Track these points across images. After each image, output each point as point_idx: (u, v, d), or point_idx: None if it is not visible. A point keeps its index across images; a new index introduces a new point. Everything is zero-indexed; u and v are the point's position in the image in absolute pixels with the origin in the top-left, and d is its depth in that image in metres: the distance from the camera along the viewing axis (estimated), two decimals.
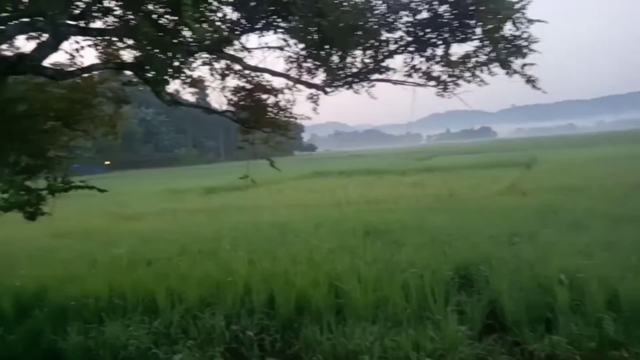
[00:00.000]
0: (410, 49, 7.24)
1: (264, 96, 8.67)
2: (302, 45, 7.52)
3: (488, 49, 6.78)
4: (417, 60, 7.49)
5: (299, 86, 8.50)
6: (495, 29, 5.90)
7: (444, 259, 8.21)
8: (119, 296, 7.84)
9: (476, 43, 6.92)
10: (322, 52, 6.80)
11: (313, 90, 8.25)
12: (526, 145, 66.97)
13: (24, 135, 6.23)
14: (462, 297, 6.79)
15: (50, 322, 7.32)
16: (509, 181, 23.44)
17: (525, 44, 6.61)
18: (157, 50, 5.17)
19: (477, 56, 7.10)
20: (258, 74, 8.31)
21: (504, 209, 14.30)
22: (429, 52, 7.28)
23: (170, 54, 5.32)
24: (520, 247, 8.94)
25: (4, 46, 5.41)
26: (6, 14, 4.72)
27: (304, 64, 7.90)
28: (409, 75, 7.67)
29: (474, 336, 5.97)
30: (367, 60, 7.38)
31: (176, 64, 5.44)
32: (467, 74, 7.37)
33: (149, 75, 5.82)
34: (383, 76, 7.63)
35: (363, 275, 7.54)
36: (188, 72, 6.01)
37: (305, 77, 8.31)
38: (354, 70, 7.51)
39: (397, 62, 7.82)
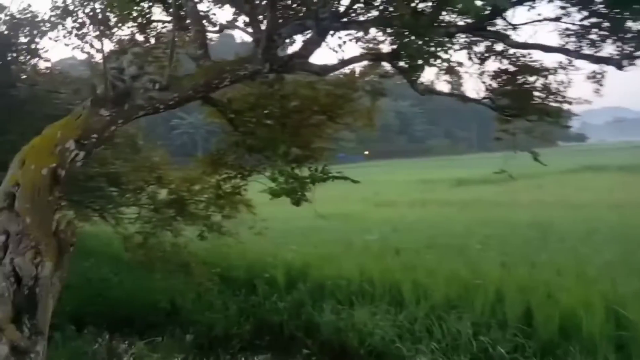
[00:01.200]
0: None
1: (531, 79, 7.48)
2: (585, 13, 6.10)
3: None
4: None
5: (577, 64, 6.98)
6: None
7: None
8: (368, 282, 8.15)
9: None
10: (622, 14, 5.31)
11: (596, 68, 6.65)
12: None
13: (295, 129, 6.93)
14: None
15: (310, 297, 8.16)
16: None
17: None
18: (413, 36, 4.92)
19: None
20: (525, 53, 7.19)
21: None
22: None
23: (426, 38, 4.99)
24: None
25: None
26: (281, 19, 5.24)
27: (588, 36, 6.40)
28: None
29: None
30: None
31: (432, 49, 5.07)
32: None
33: (404, 64, 5.66)
34: None
35: None
36: (444, 56, 5.55)
37: (587, 52, 6.75)
38: None
39: None
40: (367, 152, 70.79)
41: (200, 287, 8.36)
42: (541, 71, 7.19)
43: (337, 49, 6.76)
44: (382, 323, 6.79)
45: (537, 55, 7.22)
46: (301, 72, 7.63)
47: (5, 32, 6.68)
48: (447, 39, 5.83)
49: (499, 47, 7.27)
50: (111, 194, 8.66)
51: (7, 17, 6.66)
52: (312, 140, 8.02)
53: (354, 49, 7.90)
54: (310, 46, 5.59)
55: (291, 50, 7.05)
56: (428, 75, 7.45)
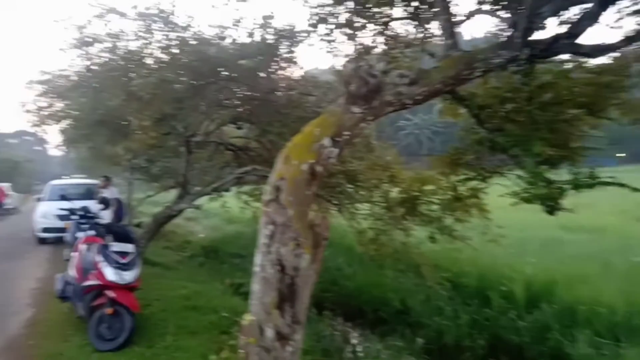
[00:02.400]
0: None
1: None
2: None
3: None
4: None
5: None
6: None
7: None
8: (639, 315, 6.53)
9: None
10: None
11: None
12: None
13: (549, 125, 5.97)
14: None
15: (558, 321, 6.97)
16: None
17: None
18: None
19: None
20: None
21: None
22: None
23: None
24: None
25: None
26: None
27: None
28: None
29: None
30: None
31: None
32: None
33: None
34: None
35: None
36: None
37: None
38: None
39: None
40: (621, 155, 59.42)
41: (429, 290, 8.08)
42: None
43: (614, 25, 5.49)
44: None
45: None
46: (557, 58, 6.60)
47: (272, 44, 7.64)
48: None
49: None
50: (348, 190, 9.14)
51: (273, 31, 7.60)
52: (569, 138, 6.87)
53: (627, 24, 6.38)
54: (585, 22, 4.63)
55: (543, 32, 6.10)
56: None
